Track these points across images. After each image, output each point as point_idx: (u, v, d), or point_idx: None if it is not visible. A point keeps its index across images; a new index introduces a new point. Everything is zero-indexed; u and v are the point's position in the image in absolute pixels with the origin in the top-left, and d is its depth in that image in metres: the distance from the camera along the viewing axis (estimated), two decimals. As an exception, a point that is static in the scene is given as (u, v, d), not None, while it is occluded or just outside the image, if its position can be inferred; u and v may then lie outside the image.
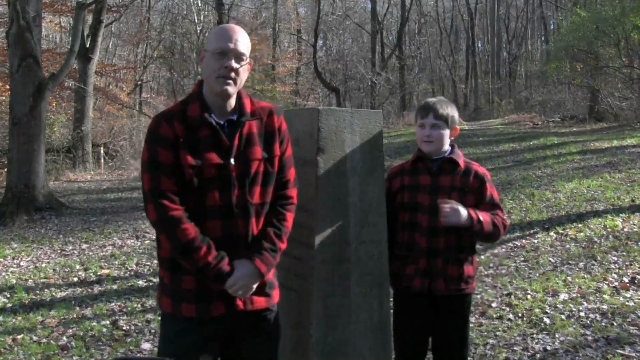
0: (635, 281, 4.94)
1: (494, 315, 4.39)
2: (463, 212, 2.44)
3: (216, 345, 2.06)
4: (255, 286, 2.02)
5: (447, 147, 2.61)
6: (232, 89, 1.99)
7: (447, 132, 2.57)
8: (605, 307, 4.41)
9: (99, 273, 6.36)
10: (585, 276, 5.18)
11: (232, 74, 1.96)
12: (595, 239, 6.28)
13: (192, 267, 1.95)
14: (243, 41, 1.99)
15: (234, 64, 1.96)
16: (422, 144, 2.59)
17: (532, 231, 6.89)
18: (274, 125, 2.09)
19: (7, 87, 13.00)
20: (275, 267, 2.17)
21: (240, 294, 1.99)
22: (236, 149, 1.99)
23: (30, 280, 6.18)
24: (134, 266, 6.62)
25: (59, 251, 7.62)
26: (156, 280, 5.86)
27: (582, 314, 4.32)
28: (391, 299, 2.66)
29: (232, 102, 2.05)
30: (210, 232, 1.97)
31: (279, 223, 2.07)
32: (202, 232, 1.95)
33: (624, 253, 5.74)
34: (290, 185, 2.14)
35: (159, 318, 4.68)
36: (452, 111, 2.59)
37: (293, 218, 2.15)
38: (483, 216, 2.48)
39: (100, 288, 5.78)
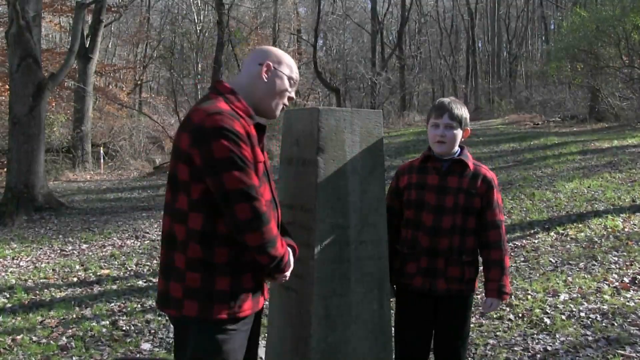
0: (636, 281, 4.93)
1: (494, 316, 4.39)
2: (499, 303, 2.62)
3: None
4: None
5: (457, 148, 2.60)
6: None
7: (460, 133, 2.57)
8: (605, 307, 4.41)
9: (98, 273, 6.35)
10: (586, 276, 5.17)
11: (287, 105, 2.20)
12: (596, 239, 6.27)
13: (271, 261, 1.99)
14: None
15: (293, 96, 2.22)
16: (434, 144, 2.58)
17: (532, 231, 6.88)
18: None
19: (7, 87, 12.99)
20: None
21: (287, 279, 2.14)
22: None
23: (29, 281, 6.17)
24: (134, 266, 6.61)
25: (58, 251, 7.62)
26: (156, 280, 5.84)
27: (582, 314, 4.32)
28: (392, 299, 2.66)
29: None
30: None
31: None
32: None
33: (625, 253, 5.74)
34: None
35: (159, 318, 4.70)
36: (465, 112, 2.59)
37: None
38: (506, 280, 2.58)
39: (99, 288, 5.77)
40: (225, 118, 1.91)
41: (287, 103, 2.18)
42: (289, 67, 2.16)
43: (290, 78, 2.16)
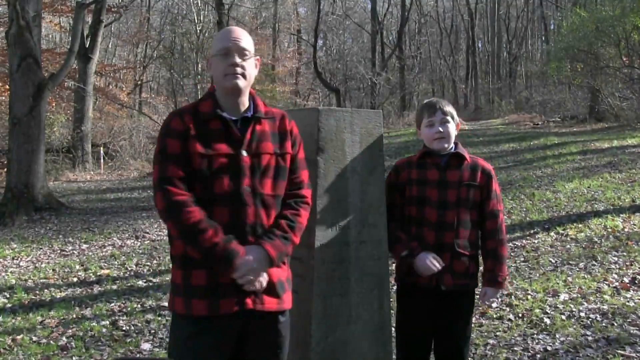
0: (636, 281, 4.93)
1: (494, 316, 4.39)
2: (494, 292, 2.64)
3: (227, 349, 2.03)
4: (265, 275, 2.00)
5: (452, 143, 2.64)
6: (242, 83, 2.05)
7: (454, 126, 2.62)
8: (605, 307, 4.41)
9: (98, 273, 6.35)
10: (586, 276, 5.17)
11: (239, 69, 2.04)
12: (596, 239, 6.27)
13: (200, 251, 1.93)
14: (243, 37, 2.08)
15: (238, 60, 2.04)
16: (432, 142, 2.59)
17: (532, 231, 6.88)
18: (286, 127, 2.15)
19: (7, 87, 12.99)
20: (290, 272, 2.18)
21: (249, 280, 1.95)
22: (248, 142, 2.03)
23: (29, 281, 6.17)
24: (134, 266, 6.61)
25: (58, 251, 7.62)
26: (156, 280, 5.87)
27: (582, 314, 4.32)
28: (391, 300, 2.66)
29: (245, 101, 2.11)
30: (217, 218, 1.97)
31: (292, 217, 2.08)
32: (209, 218, 1.97)
33: (625, 253, 5.74)
34: (304, 186, 2.18)
35: (159, 318, 4.70)
36: (452, 108, 2.68)
37: (307, 218, 2.16)
38: (500, 268, 2.60)
39: (100, 288, 5.77)
40: (168, 117, 2.09)
41: (236, 71, 2.03)
42: (217, 41, 2.10)
43: (218, 53, 2.05)
